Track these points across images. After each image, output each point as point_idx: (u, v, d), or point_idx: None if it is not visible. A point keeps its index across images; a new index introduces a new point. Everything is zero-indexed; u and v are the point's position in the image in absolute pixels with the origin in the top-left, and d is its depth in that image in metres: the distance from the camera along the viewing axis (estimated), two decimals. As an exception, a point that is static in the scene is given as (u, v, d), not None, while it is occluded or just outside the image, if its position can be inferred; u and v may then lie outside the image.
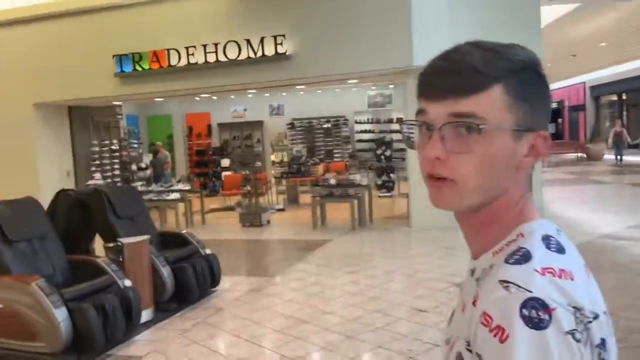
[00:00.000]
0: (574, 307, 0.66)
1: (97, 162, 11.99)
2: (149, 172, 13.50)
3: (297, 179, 12.65)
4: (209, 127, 18.86)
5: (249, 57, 8.92)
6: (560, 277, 0.68)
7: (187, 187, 10.39)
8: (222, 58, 9.09)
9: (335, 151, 18.32)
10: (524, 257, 0.71)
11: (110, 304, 4.07)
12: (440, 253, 6.81)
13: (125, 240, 4.74)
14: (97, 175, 11.68)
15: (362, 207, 9.22)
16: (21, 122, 10.58)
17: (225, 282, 5.81)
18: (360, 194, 9.42)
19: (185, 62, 9.34)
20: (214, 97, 18.49)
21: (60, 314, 3.81)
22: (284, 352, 3.96)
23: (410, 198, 8.95)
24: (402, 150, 17.00)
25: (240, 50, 8.97)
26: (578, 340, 0.64)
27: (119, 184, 12.30)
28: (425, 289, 5.29)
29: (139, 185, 12.94)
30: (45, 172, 10.76)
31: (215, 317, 4.92)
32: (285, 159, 15.58)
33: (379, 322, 4.42)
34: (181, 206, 10.37)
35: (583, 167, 18.84)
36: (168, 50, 9.37)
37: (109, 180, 12.07)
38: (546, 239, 0.74)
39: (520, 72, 0.75)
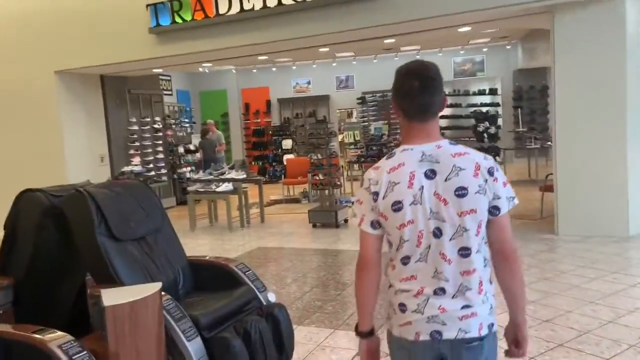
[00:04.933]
0: (369, 179, 1.65)
1: (137, 143, 9.94)
2: (198, 155, 11.37)
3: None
4: (268, 103, 16.60)
5: (322, -3, 6.42)
6: (373, 168, 1.69)
7: (241, 175, 8.11)
8: (286, 1, 6.62)
9: (414, 129, 15.56)
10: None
11: None
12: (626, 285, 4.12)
13: (108, 297, 2.40)
14: (136, 159, 9.65)
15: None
16: (42, 95, 8.63)
17: (301, 347, 3.40)
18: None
19: (238, 9, 6.95)
20: (274, 69, 16.21)
21: None
22: None
23: (556, 193, 6.21)
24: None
25: (310, -13, 6.49)
26: (365, 189, 1.66)
27: (161, 172, 10.25)
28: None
29: (187, 172, 10.93)
30: (74, 157, 8.80)
31: None
32: (358, 139, 13.06)
33: None
34: (235, 198, 8.13)
35: None
36: (215, -7, 7.03)
37: (150, 165, 10.02)
38: (390, 154, 1.68)
39: None
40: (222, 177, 8.18)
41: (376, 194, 1.62)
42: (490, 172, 1.59)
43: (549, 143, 11.08)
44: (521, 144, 12.45)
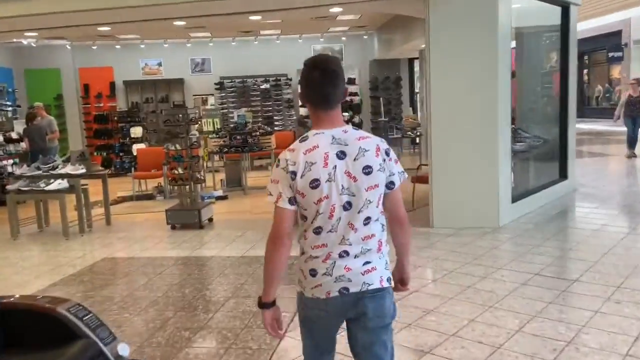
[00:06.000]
0: (286, 159, 1.78)
1: None
2: (23, 145, 9.43)
3: (240, 155, 9.29)
4: (112, 85, 14.69)
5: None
6: (288, 150, 1.82)
7: (80, 169, 6.71)
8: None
9: (276, 118, 14.99)
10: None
11: None
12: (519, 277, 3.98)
13: None
14: None
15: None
16: None
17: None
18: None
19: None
20: (118, 46, 14.37)
21: None
22: None
23: (432, 185, 6.04)
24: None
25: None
26: (282, 169, 1.78)
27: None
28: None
29: (8, 166, 9.00)
30: None
31: None
32: (218, 127, 12.06)
33: None
34: (72, 197, 6.72)
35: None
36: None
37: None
38: (303, 137, 1.82)
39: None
40: (55, 172, 6.71)
41: (294, 173, 1.77)
42: (387, 153, 1.84)
43: (409, 133, 11.33)
44: (380, 134, 12.58)
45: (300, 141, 1.81)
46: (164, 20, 7.05)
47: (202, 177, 6.79)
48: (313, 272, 1.81)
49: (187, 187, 6.61)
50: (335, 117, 1.82)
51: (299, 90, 1.88)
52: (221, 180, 9.67)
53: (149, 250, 5.73)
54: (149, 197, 9.04)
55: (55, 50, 14.02)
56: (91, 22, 6.94)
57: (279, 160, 1.82)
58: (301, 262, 1.87)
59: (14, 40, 12.42)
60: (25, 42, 12.83)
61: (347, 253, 1.79)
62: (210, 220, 6.86)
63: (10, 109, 12.10)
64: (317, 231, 1.80)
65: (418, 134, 10.86)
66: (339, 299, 1.81)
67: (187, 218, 6.59)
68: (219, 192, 8.81)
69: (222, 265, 5.08)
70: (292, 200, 1.78)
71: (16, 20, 6.44)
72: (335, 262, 1.79)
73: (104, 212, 7.18)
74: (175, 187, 7.05)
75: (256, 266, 4.90)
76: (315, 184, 1.75)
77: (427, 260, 4.82)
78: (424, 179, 6.89)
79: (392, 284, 1.90)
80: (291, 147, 1.82)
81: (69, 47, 14.21)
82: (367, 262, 1.81)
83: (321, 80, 1.78)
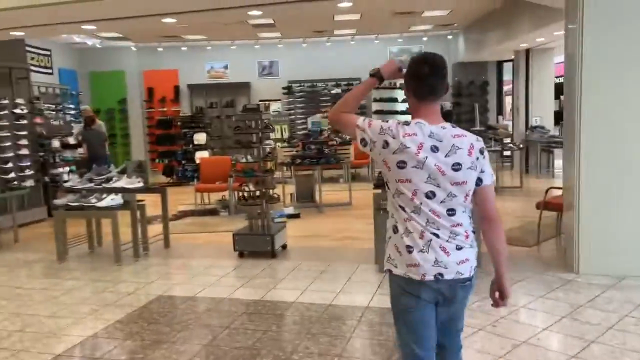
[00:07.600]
0: (390, 127, 1.90)
1: (-13, 134, 7.16)
2: (81, 151, 8.68)
3: (313, 167, 8.11)
4: (177, 89, 14.01)
5: None
6: (395, 121, 1.92)
7: (136, 183, 5.73)
8: None
9: (347, 125, 13.77)
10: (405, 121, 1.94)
11: None
12: None
13: None
14: (-17, 157, 6.89)
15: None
16: None
17: None
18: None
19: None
20: (184, 48, 13.68)
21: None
22: None
23: (577, 214, 4.56)
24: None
25: None
26: (382, 128, 1.91)
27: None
28: None
29: (64, 174, 8.27)
30: None
31: None
32: (287, 135, 10.97)
33: None
34: (126, 214, 5.75)
35: None
36: None
37: (9, 165, 7.25)
38: (405, 122, 1.91)
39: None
40: (108, 185, 5.77)
41: (387, 143, 1.90)
42: (481, 152, 1.92)
43: (511, 145, 9.76)
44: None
45: (403, 124, 1.90)
46: (237, 9, 5.98)
47: (277, 196, 5.63)
48: (409, 249, 1.88)
49: (259, 207, 5.46)
50: (435, 110, 1.94)
51: (405, 83, 1.98)
52: (291, 194, 8.54)
53: (213, 288, 4.60)
54: (212, 212, 8.04)
55: (120, 52, 13.52)
56: (154, 12, 5.97)
57: (384, 121, 1.93)
58: (396, 238, 1.92)
59: (78, 40, 11.96)
60: (89, 42, 12.35)
61: (437, 236, 1.86)
62: (284, 247, 5.70)
63: (72, 112, 11.61)
64: (403, 209, 1.89)
65: (520, 146, 9.28)
66: (434, 284, 1.87)
67: (257, 245, 5.45)
68: (291, 210, 7.66)
69: (307, 318, 3.85)
70: (364, 143, 1.95)
71: (71, 7, 5.57)
72: (431, 240, 1.86)
73: (162, 231, 6.19)
74: (242, 204, 5.94)
75: (353, 323, 3.65)
76: (402, 164, 1.86)
77: (597, 331, 3.38)
78: (554, 205, 5.43)
79: (476, 270, 1.95)
80: (396, 122, 1.92)
81: (134, 49, 13.67)
82: (460, 248, 1.88)
83: (429, 74, 1.90)
